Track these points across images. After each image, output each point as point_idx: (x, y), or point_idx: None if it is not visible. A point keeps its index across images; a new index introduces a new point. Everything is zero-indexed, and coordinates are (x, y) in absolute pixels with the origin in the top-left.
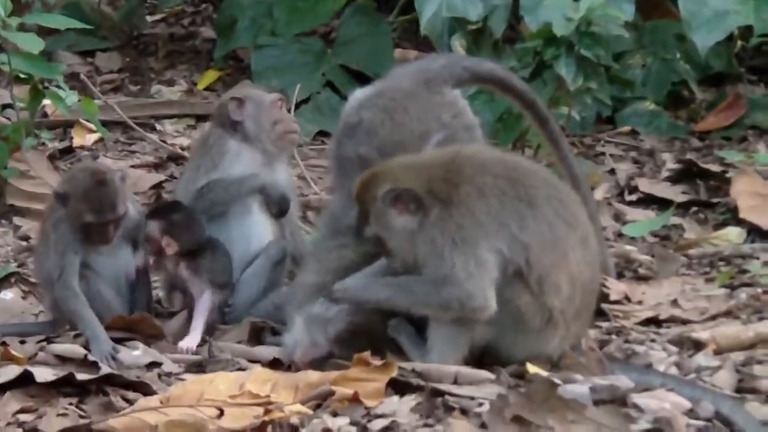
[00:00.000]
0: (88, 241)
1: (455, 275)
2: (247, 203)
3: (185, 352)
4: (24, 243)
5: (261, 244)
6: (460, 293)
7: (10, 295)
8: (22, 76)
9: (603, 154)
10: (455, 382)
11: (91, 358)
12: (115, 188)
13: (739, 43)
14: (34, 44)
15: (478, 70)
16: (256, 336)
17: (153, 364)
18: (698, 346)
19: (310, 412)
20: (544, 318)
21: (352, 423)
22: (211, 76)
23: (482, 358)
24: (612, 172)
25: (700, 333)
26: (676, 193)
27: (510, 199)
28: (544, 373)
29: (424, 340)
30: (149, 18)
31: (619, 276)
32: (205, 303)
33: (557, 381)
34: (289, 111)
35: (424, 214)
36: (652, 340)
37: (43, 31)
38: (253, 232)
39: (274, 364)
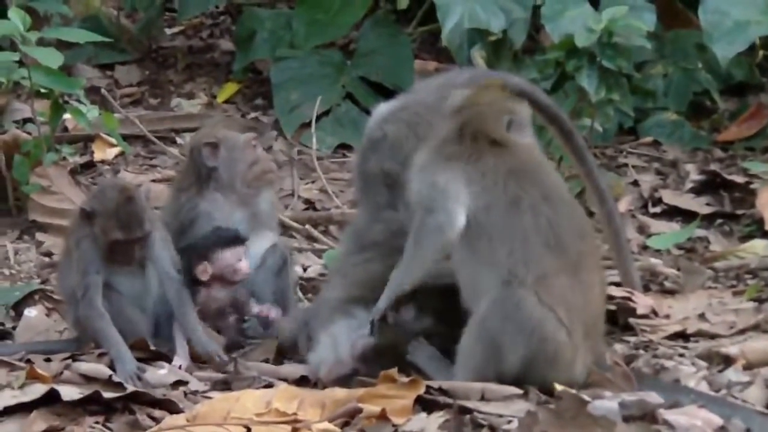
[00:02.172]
0: (112, 259)
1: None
2: (234, 225)
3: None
4: (47, 259)
5: (257, 258)
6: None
7: (34, 312)
8: (42, 90)
9: (626, 165)
10: (482, 398)
11: (116, 378)
12: (143, 206)
13: (761, 52)
14: (53, 59)
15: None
16: (282, 354)
17: (179, 383)
18: (727, 361)
19: (338, 430)
20: (575, 350)
21: None
22: (230, 88)
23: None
24: (635, 183)
25: (729, 348)
26: (700, 205)
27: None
28: (573, 390)
29: (446, 360)
30: (168, 30)
31: (645, 289)
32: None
33: (586, 398)
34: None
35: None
36: (681, 355)
37: (62, 45)
38: (250, 258)
39: (301, 381)
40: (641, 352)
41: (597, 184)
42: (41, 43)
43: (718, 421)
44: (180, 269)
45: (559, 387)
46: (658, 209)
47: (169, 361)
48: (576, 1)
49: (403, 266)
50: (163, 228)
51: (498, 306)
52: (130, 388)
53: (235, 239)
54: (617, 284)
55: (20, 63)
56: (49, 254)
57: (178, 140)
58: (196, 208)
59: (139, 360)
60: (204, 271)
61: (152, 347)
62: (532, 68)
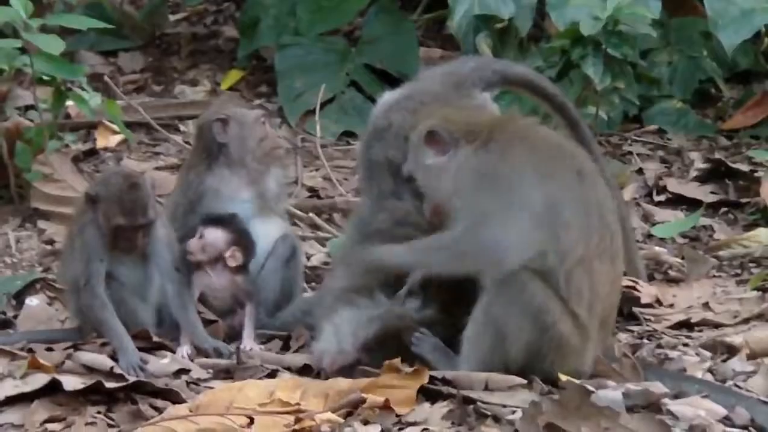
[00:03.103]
0: (115, 246)
1: (480, 222)
2: (245, 211)
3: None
4: (49, 247)
5: (268, 245)
6: (492, 240)
7: (35, 301)
8: (44, 77)
9: (630, 153)
10: (486, 388)
11: (117, 370)
12: (147, 193)
13: (767, 40)
14: (55, 46)
15: (509, 73)
16: (286, 343)
17: (181, 371)
18: (731, 350)
19: (341, 420)
20: (584, 337)
21: (384, 431)
22: (234, 76)
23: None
24: (640, 171)
25: (733, 337)
26: (704, 193)
27: (560, 161)
28: (577, 381)
29: (450, 351)
30: (171, 17)
31: (650, 278)
32: (253, 310)
33: (590, 388)
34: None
35: (459, 151)
36: (685, 345)
37: (65, 31)
38: (258, 241)
39: (304, 371)
40: (645, 341)
41: (602, 173)
42: (43, 29)
43: (722, 411)
44: (180, 268)
45: (563, 377)
46: (662, 197)
47: (172, 350)
48: None
49: (436, 252)
50: (167, 225)
51: (503, 292)
52: (132, 379)
53: (229, 221)
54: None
55: (22, 50)
56: (51, 242)
57: (182, 128)
58: (203, 183)
59: (141, 350)
60: (195, 245)
61: (155, 338)
62: (538, 56)
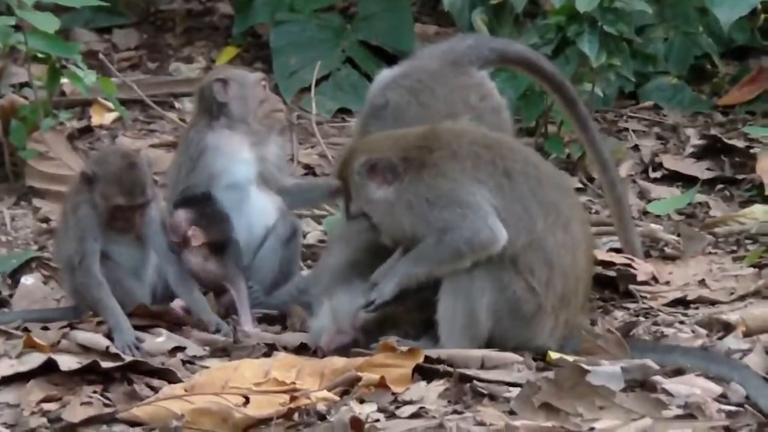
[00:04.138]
0: (112, 226)
1: (448, 224)
2: (242, 189)
3: (251, 336)
4: (44, 225)
5: (267, 226)
6: (463, 235)
7: (31, 280)
8: (39, 55)
9: (626, 129)
10: (482, 366)
11: (113, 349)
12: (145, 172)
13: (762, 16)
14: (50, 24)
15: (506, 51)
16: (282, 321)
17: (177, 349)
18: (727, 328)
19: (337, 398)
20: (536, 304)
21: (380, 410)
22: (229, 52)
23: None
24: (636, 148)
25: (729, 315)
26: (700, 170)
27: (485, 163)
28: (570, 358)
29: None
30: None
31: (646, 255)
32: (244, 291)
33: (587, 367)
34: (274, 92)
35: (400, 182)
36: (681, 322)
37: (59, 8)
38: (254, 215)
39: (300, 349)
40: (641, 319)
41: (600, 151)
42: (38, 7)
43: (717, 389)
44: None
45: (554, 355)
46: (658, 174)
47: (168, 329)
48: None
49: (424, 263)
50: (163, 207)
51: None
52: (128, 358)
53: (198, 201)
54: (618, 251)
55: (17, 27)
56: (46, 220)
57: (177, 105)
58: (204, 140)
59: (136, 328)
60: (168, 226)
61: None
62: (533, 32)
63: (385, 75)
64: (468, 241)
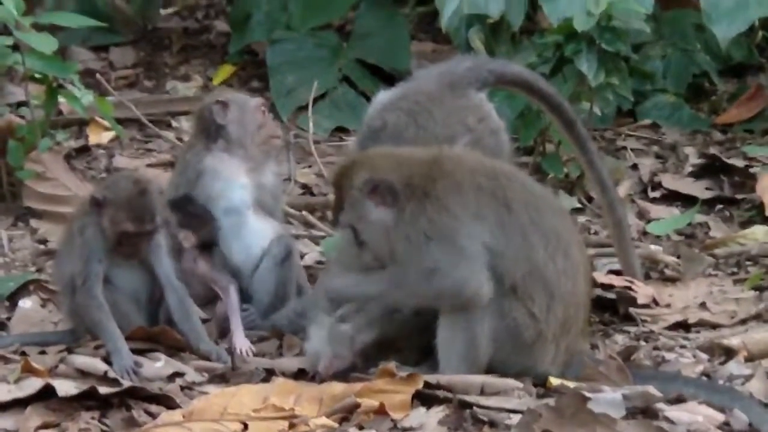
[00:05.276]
0: (116, 251)
1: (438, 267)
2: (240, 213)
3: (246, 353)
4: (42, 246)
5: (263, 246)
6: (451, 283)
7: (29, 303)
8: (36, 75)
9: (624, 148)
10: (482, 392)
11: (111, 374)
12: (155, 199)
13: (760, 33)
14: (47, 44)
15: (504, 72)
16: (280, 344)
17: (175, 375)
18: (729, 352)
19: (336, 425)
20: (536, 330)
21: None
22: (226, 70)
23: None
24: (634, 167)
25: (731, 339)
26: (700, 189)
27: (487, 195)
28: (571, 385)
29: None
30: (162, 11)
31: (646, 277)
32: (234, 298)
33: (588, 394)
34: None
35: (400, 209)
36: (682, 347)
37: (56, 27)
38: (251, 238)
39: (299, 375)
40: (642, 343)
41: (599, 173)
42: (35, 26)
43: (720, 416)
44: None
45: (555, 381)
46: (657, 194)
47: (166, 353)
48: None
49: (403, 292)
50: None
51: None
52: (127, 384)
53: (183, 204)
54: (618, 272)
55: (14, 47)
56: (44, 241)
57: (174, 124)
58: (201, 162)
59: (135, 351)
60: (186, 237)
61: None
62: (531, 50)
63: (382, 97)
64: (452, 289)
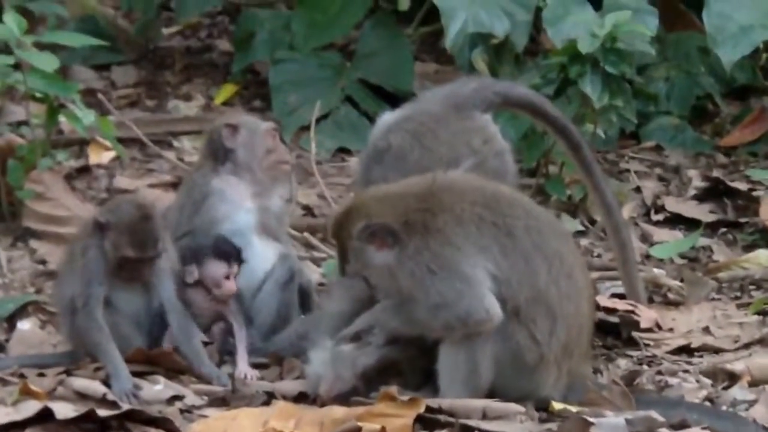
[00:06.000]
0: (119, 275)
1: (445, 300)
2: (244, 236)
3: (250, 379)
4: (41, 267)
5: (266, 269)
6: (458, 313)
7: (27, 324)
8: (37, 94)
9: (627, 170)
10: (484, 416)
11: (111, 397)
12: (158, 224)
13: (764, 55)
14: (49, 63)
15: (510, 94)
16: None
17: (175, 398)
18: (732, 377)
19: None
20: (539, 354)
21: None
22: (228, 90)
23: None
24: (638, 190)
25: (734, 364)
26: (703, 212)
27: (488, 225)
28: (574, 409)
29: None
30: (165, 30)
31: (649, 301)
32: (243, 329)
33: (591, 419)
34: (282, 141)
35: (402, 247)
36: (685, 371)
37: (58, 46)
38: (255, 261)
39: (299, 398)
40: (645, 367)
41: (604, 196)
42: (37, 45)
43: None
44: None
45: (557, 405)
46: (660, 216)
47: (166, 376)
48: (578, 3)
49: (411, 325)
50: (173, 256)
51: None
52: (126, 407)
53: (232, 254)
54: (621, 296)
55: (15, 66)
56: (43, 262)
57: (175, 144)
58: (208, 184)
59: (134, 374)
60: (191, 273)
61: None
62: (534, 71)
63: (387, 118)
64: (460, 319)
